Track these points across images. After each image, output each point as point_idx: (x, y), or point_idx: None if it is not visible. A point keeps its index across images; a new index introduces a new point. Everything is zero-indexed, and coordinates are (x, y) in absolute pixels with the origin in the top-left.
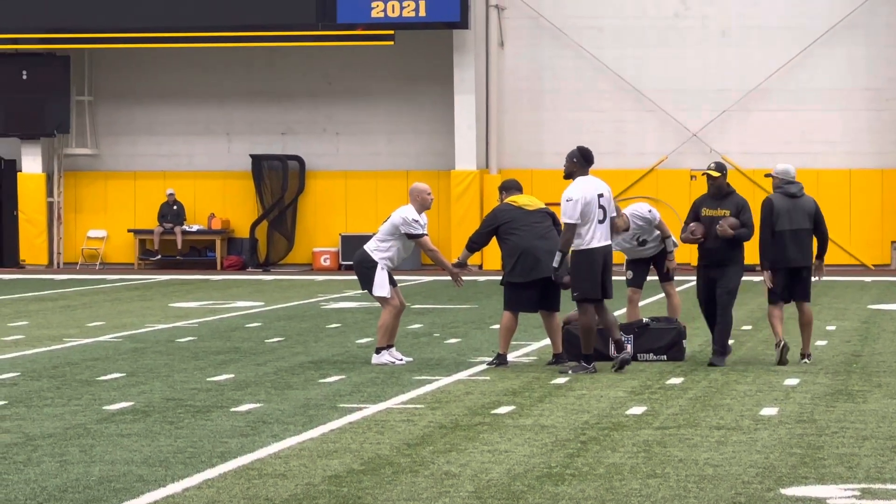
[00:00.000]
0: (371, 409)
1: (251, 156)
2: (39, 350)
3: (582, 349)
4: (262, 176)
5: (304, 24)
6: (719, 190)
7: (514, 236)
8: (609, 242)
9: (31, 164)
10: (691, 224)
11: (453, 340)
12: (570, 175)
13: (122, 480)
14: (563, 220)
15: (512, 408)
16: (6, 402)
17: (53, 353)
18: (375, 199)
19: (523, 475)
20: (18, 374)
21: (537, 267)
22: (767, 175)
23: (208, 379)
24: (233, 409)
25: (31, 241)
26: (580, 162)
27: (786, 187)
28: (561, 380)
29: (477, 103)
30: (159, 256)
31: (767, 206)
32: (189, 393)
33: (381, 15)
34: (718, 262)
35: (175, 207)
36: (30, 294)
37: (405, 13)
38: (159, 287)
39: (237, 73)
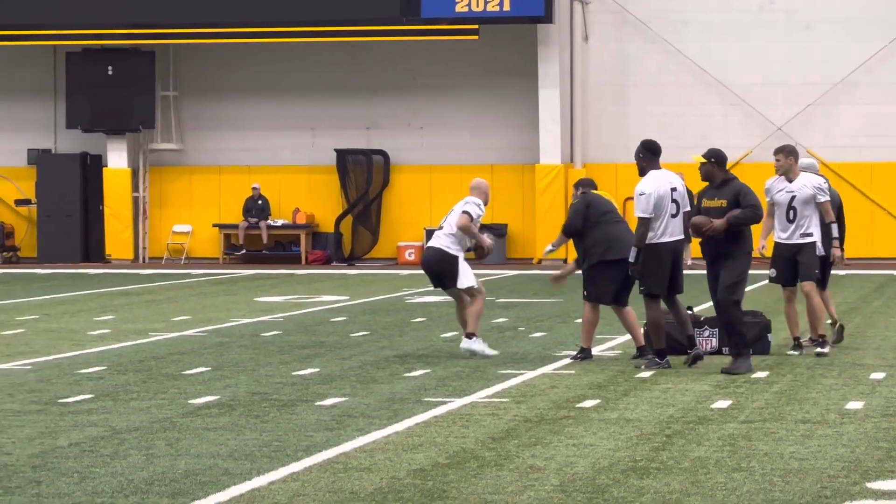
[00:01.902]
0: (456, 403)
1: (336, 150)
2: (125, 344)
3: (654, 344)
4: (346, 170)
5: (388, 18)
6: (709, 178)
7: (606, 223)
8: (681, 237)
9: (117, 159)
10: (693, 217)
11: (538, 334)
12: (642, 171)
13: (207, 474)
14: (636, 214)
15: (597, 401)
16: (93, 395)
17: (139, 347)
18: (460, 193)
19: (608, 469)
20: (105, 367)
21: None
22: None
23: (293, 373)
24: (318, 403)
25: (117, 236)
26: (647, 156)
27: None
28: (646, 374)
29: (561, 97)
30: (244, 251)
31: None
32: (274, 387)
33: (466, 9)
34: (719, 256)
35: (260, 202)
36: (115, 289)
37: (489, 7)
38: (244, 281)
39: (322, 68)
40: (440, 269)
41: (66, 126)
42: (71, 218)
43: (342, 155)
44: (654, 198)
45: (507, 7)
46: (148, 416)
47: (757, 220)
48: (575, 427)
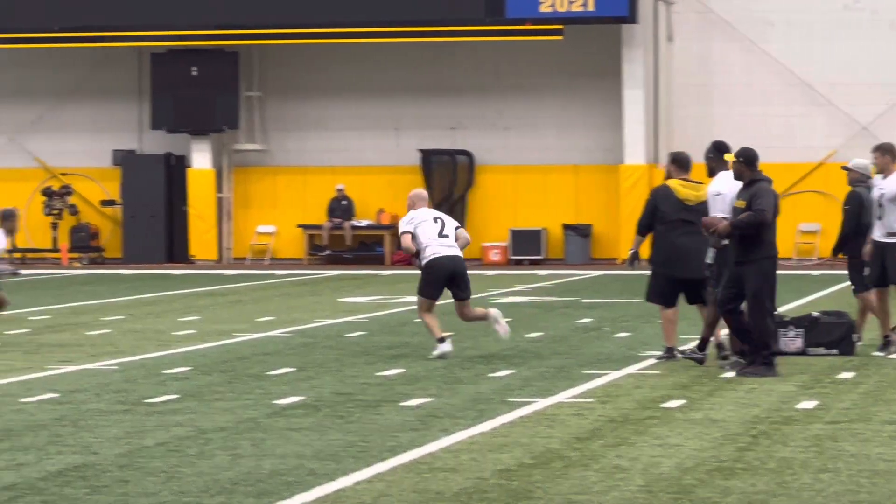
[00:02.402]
0: (541, 403)
1: (420, 150)
2: (210, 345)
3: (703, 335)
4: (431, 171)
5: (473, 19)
6: (739, 177)
7: (663, 227)
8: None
9: (201, 159)
10: (704, 218)
11: (623, 335)
12: (711, 171)
13: (293, 474)
14: (716, 215)
15: (682, 402)
16: (178, 395)
17: (224, 347)
18: (545, 193)
19: (694, 469)
20: (190, 368)
21: (679, 265)
22: (844, 168)
23: (378, 373)
24: (402, 404)
25: (201, 237)
26: (717, 157)
27: (868, 182)
28: (731, 374)
29: (646, 98)
30: (328, 251)
31: (857, 198)
32: (359, 387)
33: (550, 10)
34: (742, 260)
35: (344, 202)
36: (200, 289)
37: (574, 8)
38: (328, 282)
39: (407, 68)
40: (466, 276)
41: (150, 127)
42: (155, 219)
43: (427, 155)
44: (729, 198)
45: (591, 7)
46: (233, 416)
47: (757, 224)
48: (660, 427)
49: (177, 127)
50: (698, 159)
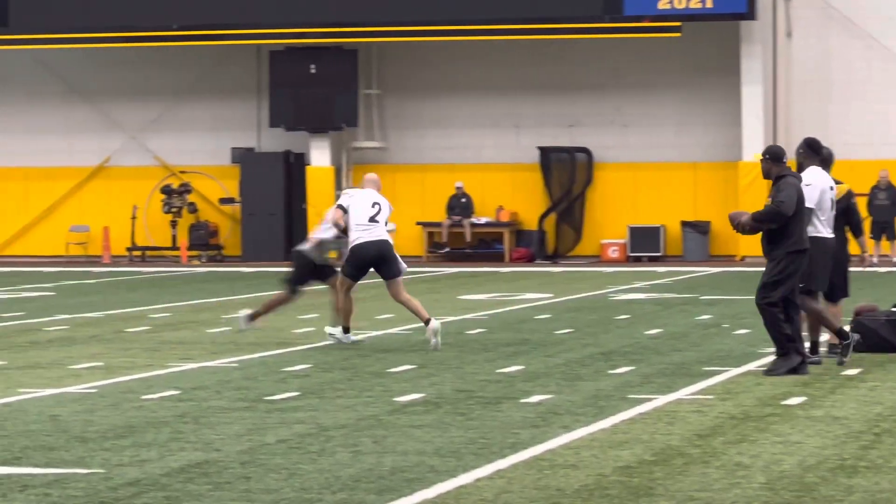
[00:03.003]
0: (661, 400)
1: (539, 148)
2: (331, 342)
3: (810, 335)
4: (550, 168)
5: (591, 16)
6: (766, 174)
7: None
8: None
9: (320, 157)
10: (730, 212)
11: (742, 331)
12: (800, 167)
13: (414, 471)
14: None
15: (803, 399)
16: (299, 393)
17: (344, 344)
18: (663, 190)
19: (816, 467)
20: (310, 365)
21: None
22: None
23: (498, 370)
24: (523, 401)
25: None
26: (808, 153)
27: None
28: (852, 371)
29: (764, 94)
30: (448, 249)
31: None
32: (479, 384)
33: (668, 6)
34: (766, 255)
35: (463, 200)
36: (319, 287)
37: (692, 5)
38: (448, 279)
39: (525, 66)
40: (391, 256)
41: (269, 125)
42: (274, 216)
43: (545, 153)
44: (819, 191)
45: (709, 4)
46: (354, 413)
47: (773, 217)
48: (781, 425)
49: (295, 125)
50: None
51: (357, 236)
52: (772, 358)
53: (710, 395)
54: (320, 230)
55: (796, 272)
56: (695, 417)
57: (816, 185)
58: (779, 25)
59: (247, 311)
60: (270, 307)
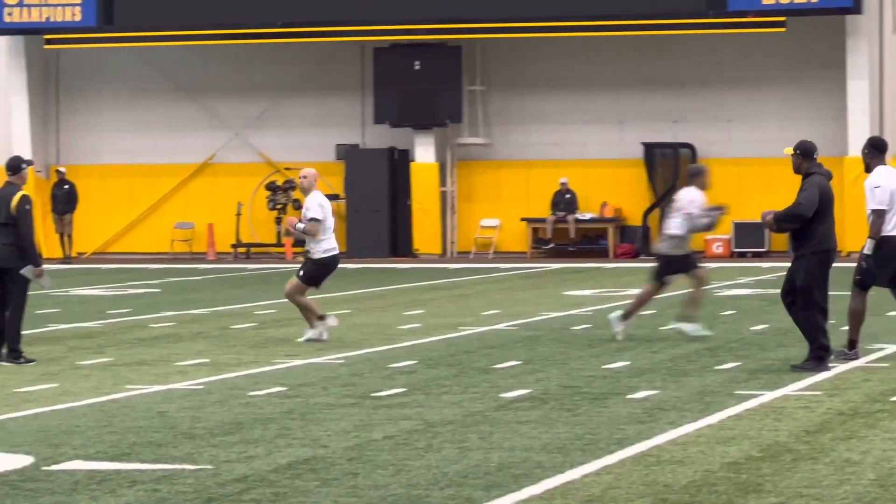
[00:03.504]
0: (768, 396)
1: (643, 144)
2: (435, 338)
3: (850, 334)
4: (654, 164)
5: (695, 11)
6: (797, 170)
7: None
8: None
9: (424, 153)
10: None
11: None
12: (868, 167)
13: (521, 467)
14: (872, 206)
15: None
16: (405, 389)
17: (449, 341)
18: (767, 185)
19: None
20: (416, 361)
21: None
22: None
23: (604, 366)
24: (629, 396)
25: (425, 231)
26: (872, 153)
27: None
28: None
29: (870, 88)
30: (552, 245)
31: None
32: (585, 380)
33: (773, 1)
34: (792, 254)
35: (568, 196)
36: (424, 283)
37: (796, 0)
38: (552, 275)
39: (629, 61)
40: None
41: (373, 121)
42: (379, 213)
43: (649, 148)
44: (888, 192)
45: None
46: (460, 409)
47: (791, 218)
48: (891, 421)
49: (400, 121)
50: None
51: (331, 246)
52: (878, 354)
53: (818, 392)
54: (677, 222)
55: (823, 273)
56: (802, 413)
57: (886, 187)
58: (885, 20)
59: (618, 312)
60: (641, 303)
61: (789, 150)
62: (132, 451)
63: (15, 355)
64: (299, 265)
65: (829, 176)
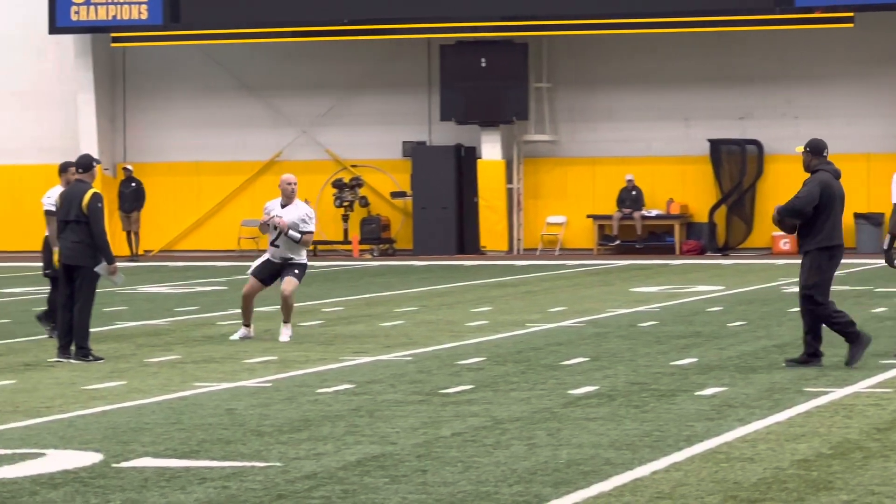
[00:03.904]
0: (838, 393)
1: (709, 140)
2: (503, 335)
3: None
4: (720, 160)
5: (762, 7)
6: (806, 167)
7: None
8: None
9: (491, 150)
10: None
11: None
12: None
13: (589, 463)
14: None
15: None
16: (473, 386)
17: (517, 337)
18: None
19: None
20: (484, 358)
21: None
22: None
23: (672, 363)
24: (697, 393)
25: (492, 228)
26: None
27: None
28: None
29: None
30: (618, 241)
31: None
32: (653, 377)
33: None
34: (801, 250)
35: (634, 193)
36: (491, 280)
37: None
38: (619, 272)
39: (695, 58)
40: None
41: (440, 118)
42: (446, 210)
43: (716, 145)
44: None
45: None
46: (528, 406)
47: (790, 213)
48: None
49: (466, 118)
50: None
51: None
52: None
53: (888, 389)
54: None
55: (829, 269)
56: (873, 411)
57: None
58: None
59: None
60: None
61: (800, 149)
62: (201, 448)
63: (83, 353)
64: (295, 269)
65: (836, 173)
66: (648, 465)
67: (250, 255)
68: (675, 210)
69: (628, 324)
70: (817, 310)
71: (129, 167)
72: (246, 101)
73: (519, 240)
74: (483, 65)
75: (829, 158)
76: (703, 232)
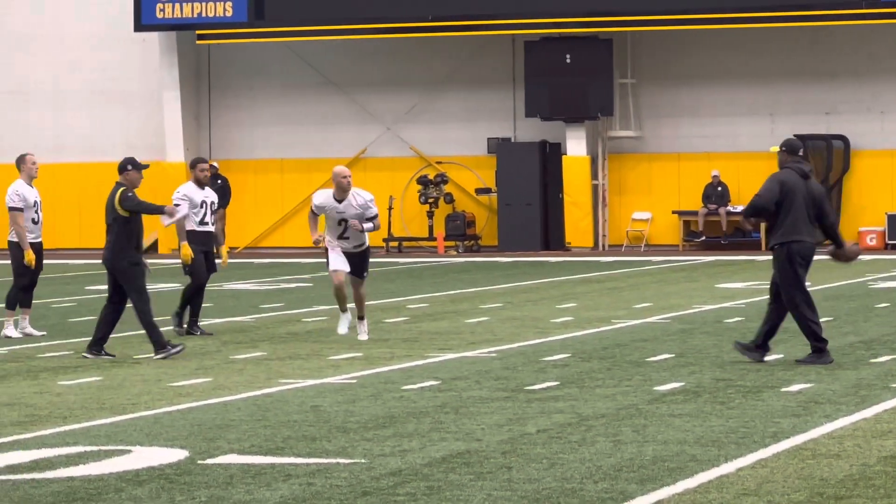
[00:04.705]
0: None
1: (795, 136)
2: (588, 331)
3: None
4: (806, 156)
5: (848, 2)
6: (781, 166)
7: None
8: None
9: (576, 147)
10: None
11: None
12: None
13: (675, 460)
14: None
15: None
16: (558, 382)
17: (602, 334)
18: None
19: None
20: (569, 355)
21: None
22: None
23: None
24: (783, 389)
25: (577, 224)
26: None
27: None
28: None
29: None
30: (703, 237)
31: None
32: (739, 373)
33: None
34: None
35: (719, 188)
36: (576, 276)
37: None
38: (704, 268)
39: (781, 53)
40: None
41: (524, 114)
42: (531, 206)
43: (802, 140)
44: None
45: None
46: (614, 402)
47: (753, 208)
48: None
49: (551, 114)
50: None
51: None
52: None
53: None
54: None
55: (794, 266)
56: None
57: None
58: None
59: None
60: None
61: (775, 148)
62: (286, 444)
63: (160, 347)
64: (364, 264)
65: (801, 172)
66: (734, 461)
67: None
68: None
69: (714, 320)
70: (790, 307)
71: (215, 164)
72: (330, 98)
73: (604, 236)
74: (568, 61)
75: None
76: None
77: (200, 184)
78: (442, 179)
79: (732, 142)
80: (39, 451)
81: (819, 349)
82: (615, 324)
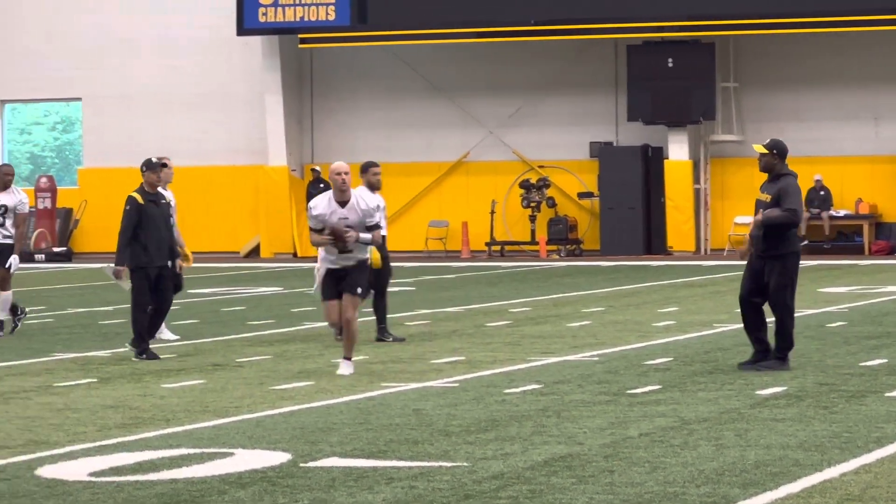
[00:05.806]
0: None
1: None
2: (690, 335)
3: None
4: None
5: None
6: (767, 169)
7: None
8: None
9: (678, 151)
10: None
11: None
12: None
13: (777, 465)
14: None
15: None
16: (660, 386)
17: (704, 338)
18: None
19: None
20: (671, 359)
21: None
22: None
23: (861, 364)
24: (887, 395)
25: (679, 228)
26: None
27: None
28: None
29: None
30: (806, 242)
31: None
32: (842, 378)
33: None
34: (767, 255)
35: (822, 193)
36: (678, 280)
37: None
38: (807, 272)
39: (883, 57)
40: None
41: (627, 119)
42: (633, 210)
43: None
44: None
45: None
46: (716, 406)
47: (792, 224)
48: None
49: (653, 118)
50: None
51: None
52: None
53: None
54: None
55: (795, 272)
56: None
57: None
58: None
59: None
60: None
61: (760, 148)
62: (388, 448)
63: (136, 350)
64: (360, 279)
65: (796, 177)
66: (837, 466)
67: (438, 256)
68: (863, 210)
69: (817, 324)
70: (787, 312)
71: (317, 168)
72: (433, 102)
73: (706, 240)
74: (670, 65)
75: None
76: (892, 232)
77: (373, 188)
78: (544, 183)
79: (835, 146)
80: (143, 453)
81: (786, 357)
82: (717, 328)
